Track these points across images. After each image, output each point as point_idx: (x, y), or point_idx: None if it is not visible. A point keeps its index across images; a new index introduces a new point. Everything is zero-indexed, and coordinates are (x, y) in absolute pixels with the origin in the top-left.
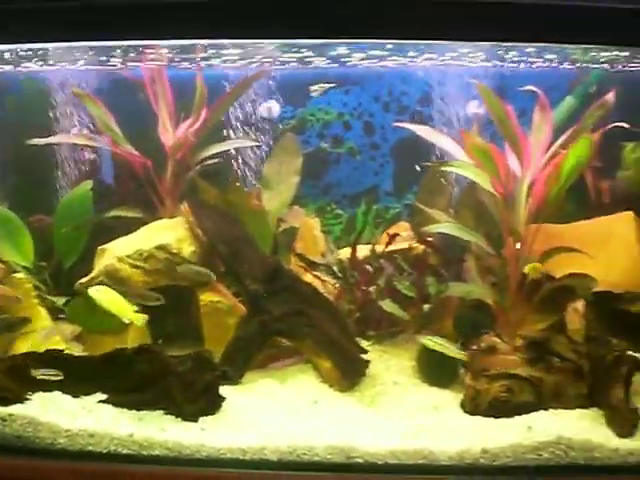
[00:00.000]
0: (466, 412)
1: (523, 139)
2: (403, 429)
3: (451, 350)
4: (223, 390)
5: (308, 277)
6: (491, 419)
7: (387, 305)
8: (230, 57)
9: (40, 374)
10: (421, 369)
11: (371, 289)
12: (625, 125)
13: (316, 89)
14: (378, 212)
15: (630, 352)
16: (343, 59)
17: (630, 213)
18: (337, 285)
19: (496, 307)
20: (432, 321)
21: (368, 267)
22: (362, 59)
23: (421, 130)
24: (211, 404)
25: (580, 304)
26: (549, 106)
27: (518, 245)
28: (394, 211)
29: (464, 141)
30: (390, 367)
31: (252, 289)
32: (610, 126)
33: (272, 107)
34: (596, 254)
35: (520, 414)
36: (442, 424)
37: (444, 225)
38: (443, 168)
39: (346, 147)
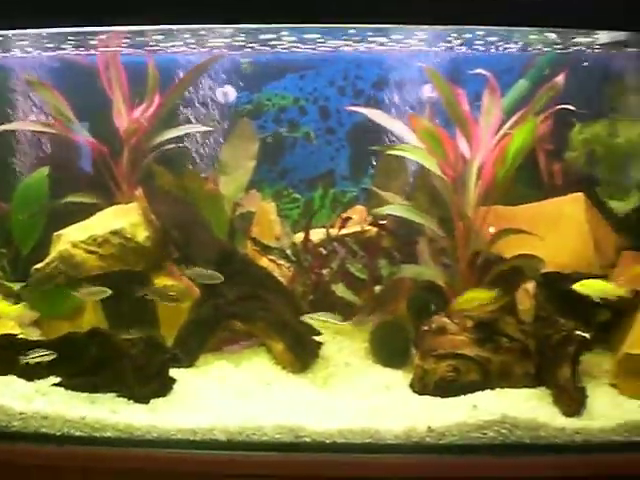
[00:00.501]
0: (415, 392)
1: (472, 122)
2: (353, 409)
3: (332, 321)
4: (177, 373)
5: (264, 261)
6: (438, 398)
7: (339, 289)
8: (186, 42)
9: (30, 358)
10: (373, 350)
11: (325, 272)
12: (570, 107)
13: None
14: (335, 196)
15: (578, 332)
16: (299, 44)
17: (580, 195)
18: (291, 268)
19: (447, 288)
20: (385, 303)
21: (322, 250)
22: (318, 44)
23: (373, 114)
24: (162, 386)
25: (530, 285)
26: (498, 89)
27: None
28: (351, 195)
29: (412, 125)
30: (343, 349)
31: None
32: (555, 109)
33: (228, 92)
34: (546, 235)
35: (466, 393)
36: (391, 404)
37: (393, 207)
38: (390, 152)
39: (302, 132)
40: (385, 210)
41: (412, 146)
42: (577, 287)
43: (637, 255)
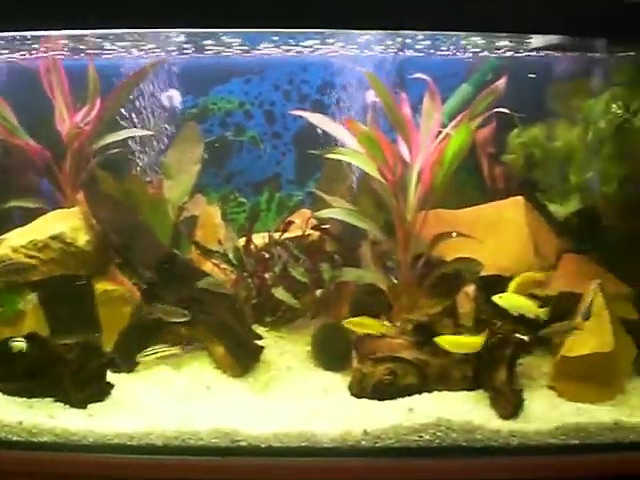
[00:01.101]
0: (353, 395)
1: (412, 126)
2: (291, 413)
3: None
4: (117, 377)
5: (208, 265)
6: (376, 402)
7: (279, 293)
8: (131, 45)
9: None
10: (315, 354)
11: (267, 276)
12: (505, 111)
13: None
14: (281, 200)
15: (516, 334)
16: (243, 48)
17: (520, 198)
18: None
19: (389, 292)
20: (328, 306)
21: (265, 254)
22: (263, 48)
23: (315, 118)
24: (99, 391)
25: (471, 288)
26: (438, 93)
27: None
28: (297, 199)
29: (350, 129)
30: (285, 353)
31: (145, 277)
32: (491, 112)
33: (173, 96)
34: (486, 239)
35: (404, 396)
36: (329, 407)
37: (333, 210)
38: (328, 156)
39: (248, 135)
40: (325, 213)
41: (351, 150)
42: (496, 299)
43: (577, 258)
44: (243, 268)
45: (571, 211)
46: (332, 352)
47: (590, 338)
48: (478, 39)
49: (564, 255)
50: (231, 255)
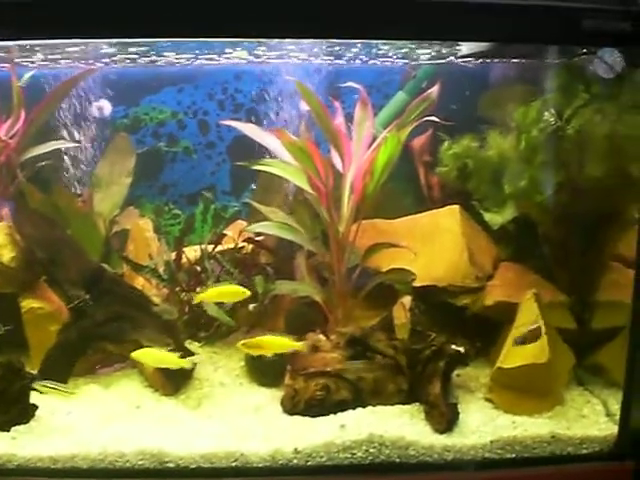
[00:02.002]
0: (285, 412)
1: (342, 136)
2: (221, 432)
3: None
4: (43, 398)
5: (140, 281)
6: (308, 418)
7: (210, 308)
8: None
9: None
10: (249, 369)
11: (199, 291)
12: (435, 119)
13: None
14: (217, 211)
15: (452, 345)
16: (175, 57)
17: (455, 207)
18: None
19: (324, 304)
20: (262, 320)
21: (197, 268)
22: (194, 57)
23: (246, 128)
24: (23, 413)
25: (407, 299)
26: (369, 102)
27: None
28: (232, 210)
29: (280, 139)
30: (219, 369)
31: (72, 294)
32: (421, 121)
33: (103, 106)
34: (422, 248)
35: (337, 412)
36: (260, 425)
37: (262, 225)
38: (255, 167)
39: (182, 146)
40: (255, 228)
41: (279, 161)
42: None
43: (514, 266)
44: (174, 283)
45: (506, 219)
46: (266, 367)
47: (525, 349)
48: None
49: (501, 264)
50: (162, 269)
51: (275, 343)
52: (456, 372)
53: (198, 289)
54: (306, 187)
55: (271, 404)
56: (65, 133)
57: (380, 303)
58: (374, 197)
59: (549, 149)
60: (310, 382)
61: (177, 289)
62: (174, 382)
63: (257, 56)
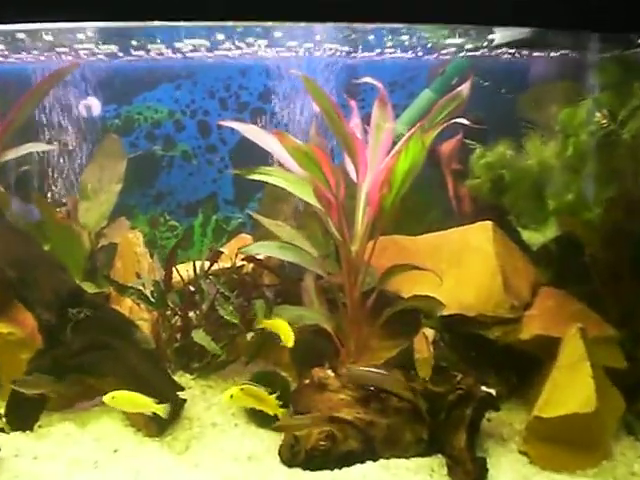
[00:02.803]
0: (283, 463)
1: (357, 140)
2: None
3: None
4: (11, 437)
5: (126, 303)
6: (308, 472)
7: (198, 336)
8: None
9: None
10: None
11: (192, 315)
12: (464, 121)
13: None
14: (218, 223)
15: (483, 387)
16: (170, 48)
17: (488, 223)
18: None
19: (334, 334)
20: (262, 351)
21: (191, 289)
22: (193, 48)
23: (246, 130)
24: None
25: (430, 331)
26: (389, 102)
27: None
28: (236, 222)
29: (281, 143)
30: (212, 406)
31: (45, 319)
32: (448, 123)
33: (92, 105)
34: (448, 270)
35: (343, 466)
36: (254, 477)
37: (259, 245)
38: (250, 177)
39: (179, 150)
40: (253, 249)
41: (279, 169)
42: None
43: (556, 293)
44: (163, 306)
45: (548, 238)
46: None
47: (568, 394)
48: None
49: (540, 290)
50: (149, 290)
51: (132, 401)
52: (486, 416)
53: (191, 313)
54: (311, 200)
55: (268, 453)
56: (47, 135)
57: (399, 333)
58: (393, 211)
59: (600, 157)
60: (314, 428)
61: (168, 312)
62: (159, 421)
63: (264, 48)
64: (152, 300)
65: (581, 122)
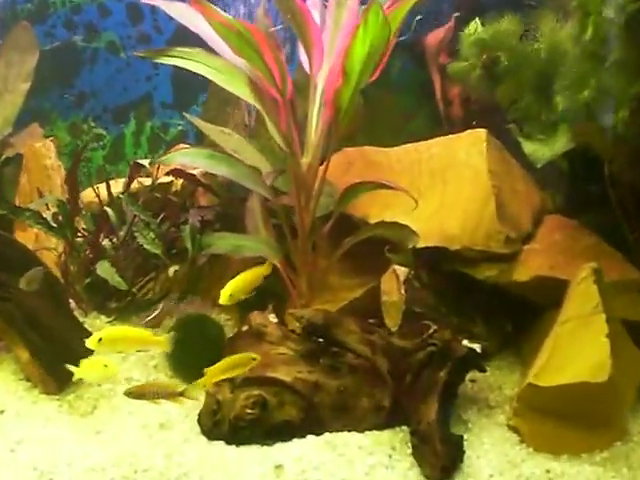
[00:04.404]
0: (203, 434)
1: (308, 17)
2: (109, 456)
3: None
4: None
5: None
6: (233, 448)
7: (101, 268)
8: None
9: None
10: (170, 359)
11: (107, 244)
12: None
13: None
14: (154, 131)
15: (465, 341)
16: None
17: (481, 131)
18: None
19: (282, 268)
20: (197, 289)
21: (109, 212)
22: None
23: (171, 8)
24: None
25: (401, 268)
26: None
27: None
28: (175, 130)
29: (205, 17)
30: (130, 355)
31: None
32: None
33: None
34: (429, 192)
35: (276, 441)
36: (162, 453)
37: (180, 153)
38: (159, 59)
39: (105, 40)
40: (172, 159)
41: (201, 51)
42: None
43: (565, 222)
44: (69, 232)
45: (557, 153)
46: (194, 358)
47: (574, 357)
48: None
49: (546, 218)
50: (49, 214)
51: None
52: (469, 377)
53: (106, 241)
54: (247, 96)
55: (186, 419)
56: None
57: (366, 269)
58: (351, 110)
59: (628, 41)
60: (239, 392)
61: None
62: (59, 377)
63: None
64: (52, 225)
65: None
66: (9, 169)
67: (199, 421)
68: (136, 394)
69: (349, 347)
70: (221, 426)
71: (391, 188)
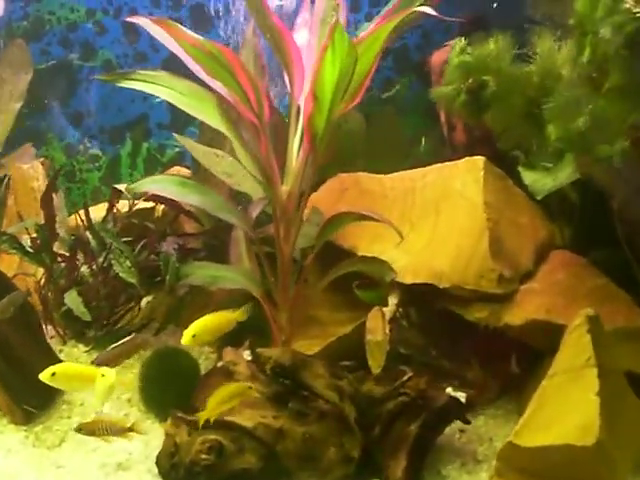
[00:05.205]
0: (161, 475)
1: (285, 35)
2: None
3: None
4: None
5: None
6: None
7: (69, 298)
8: None
9: None
10: (142, 392)
11: (86, 271)
12: (429, 11)
13: None
14: (150, 153)
15: (449, 389)
16: None
17: (479, 159)
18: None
19: (263, 301)
20: (176, 317)
21: (89, 237)
22: None
23: (146, 23)
24: None
25: (391, 302)
26: None
27: None
28: (172, 151)
29: (173, 37)
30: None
31: None
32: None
33: None
34: (421, 222)
35: None
36: None
37: (149, 180)
38: (120, 83)
39: (102, 59)
40: (141, 186)
41: (165, 74)
42: None
43: (570, 260)
44: (46, 258)
45: (560, 183)
46: (168, 391)
47: (559, 416)
48: None
49: (552, 253)
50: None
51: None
52: (458, 426)
53: (84, 268)
54: (214, 120)
55: (145, 461)
56: None
57: (359, 302)
58: (326, 137)
59: (628, 63)
60: (196, 434)
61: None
62: (25, 406)
63: None
64: (28, 250)
65: (604, 13)
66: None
67: (157, 463)
68: (86, 430)
69: (316, 392)
70: (178, 469)
71: (375, 220)
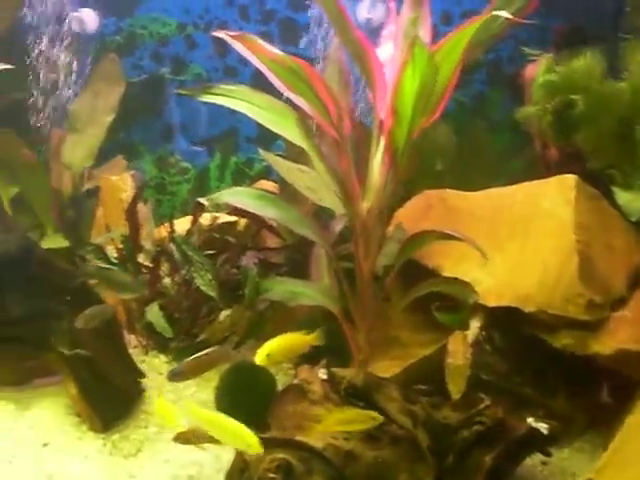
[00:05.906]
0: None
1: (367, 48)
2: None
3: None
4: None
5: None
6: None
7: (150, 313)
8: None
9: None
10: (219, 406)
11: (168, 283)
12: (509, 16)
13: None
14: (238, 166)
15: (530, 419)
16: None
17: (570, 177)
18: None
19: (342, 320)
20: (257, 331)
21: (171, 249)
22: None
23: (236, 39)
24: None
25: (474, 326)
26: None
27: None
28: (260, 165)
29: (251, 51)
30: (183, 399)
31: None
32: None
33: (86, 18)
34: (507, 243)
35: None
36: None
37: (229, 192)
38: (199, 98)
39: (192, 73)
40: (219, 197)
41: (245, 88)
42: None
43: None
44: (132, 268)
45: None
46: (243, 406)
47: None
48: None
49: None
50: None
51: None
52: (541, 459)
53: (167, 279)
54: (293, 134)
55: (216, 475)
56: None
57: (441, 324)
58: (407, 152)
59: None
60: (266, 453)
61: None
62: (105, 416)
63: None
64: (113, 261)
65: None
66: (91, 201)
67: (226, 478)
68: (182, 439)
69: (389, 415)
70: None
71: (458, 239)
